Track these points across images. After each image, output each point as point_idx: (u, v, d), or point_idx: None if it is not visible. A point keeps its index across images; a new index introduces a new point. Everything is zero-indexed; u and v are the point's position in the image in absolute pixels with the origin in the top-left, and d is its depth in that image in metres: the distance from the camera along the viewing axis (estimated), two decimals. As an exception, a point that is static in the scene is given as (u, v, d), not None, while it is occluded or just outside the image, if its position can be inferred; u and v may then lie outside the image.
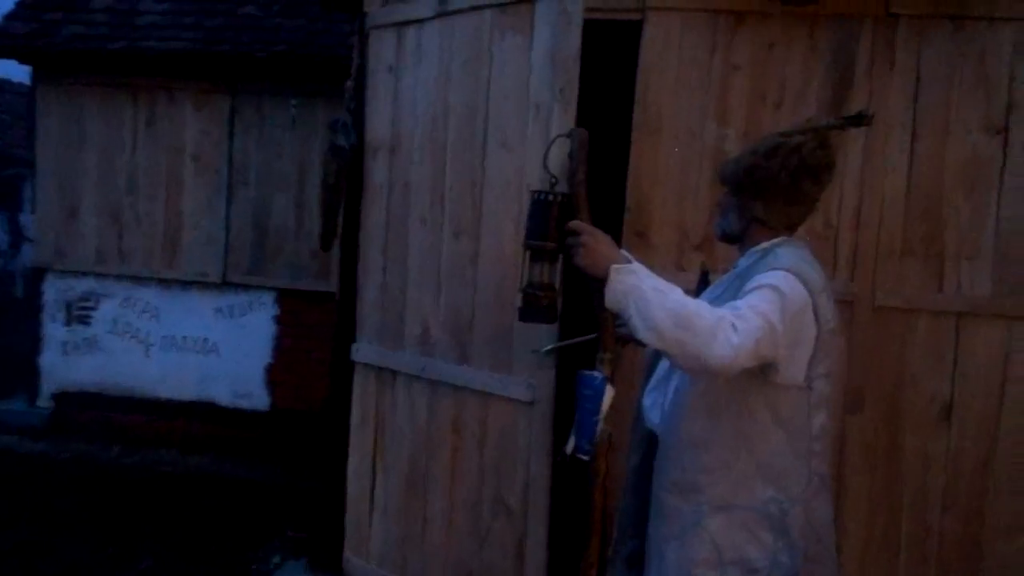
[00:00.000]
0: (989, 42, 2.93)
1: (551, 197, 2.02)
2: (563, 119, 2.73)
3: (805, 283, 1.82)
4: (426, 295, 3.18)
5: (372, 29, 3.34)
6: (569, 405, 2.83)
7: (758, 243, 1.99)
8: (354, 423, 3.42)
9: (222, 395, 6.02)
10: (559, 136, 2.32)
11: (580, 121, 2.63)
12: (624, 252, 1.87)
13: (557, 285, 2.12)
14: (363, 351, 3.38)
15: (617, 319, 1.92)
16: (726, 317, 1.72)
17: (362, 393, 3.39)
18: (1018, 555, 2.96)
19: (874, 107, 2.97)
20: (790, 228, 2.00)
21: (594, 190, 2.08)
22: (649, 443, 2.09)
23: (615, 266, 1.80)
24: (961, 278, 2.98)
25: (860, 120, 1.94)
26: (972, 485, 2.97)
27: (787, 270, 1.83)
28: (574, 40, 2.72)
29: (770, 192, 1.93)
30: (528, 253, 2.08)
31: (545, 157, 2.21)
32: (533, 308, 2.09)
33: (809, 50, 3.02)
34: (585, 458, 1.89)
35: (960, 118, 2.96)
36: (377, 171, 3.36)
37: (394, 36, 3.28)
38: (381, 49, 3.32)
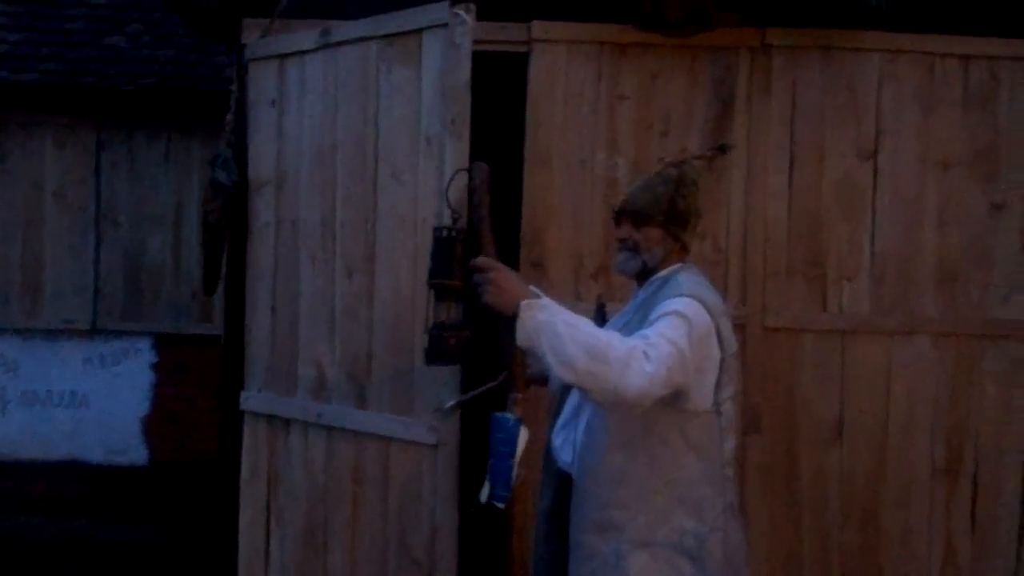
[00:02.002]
0: (857, 72, 3.10)
1: (454, 233, 1.97)
2: (456, 151, 2.69)
3: (708, 308, 1.86)
4: (320, 337, 3.04)
5: (251, 61, 3.21)
6: (474, 446, 2.78)
7: (659, 272, 2.01)
8: (244, 476, 3.22)
9: (94, 452, 5.60)
10: (460, 170, 2.27)
11: (474, 153, 2.60)
12: (532, 288, 1.83)
13: (463, 324, 2.06)
14: (252, 399, 3.19)
15: (526, 357, 1.87)
16: (638, 347, 1.72)
17: (253, 444, 3.20)
18: (909, 564, 3.09)
19: (754, 134, 3.09)
20: (686, 253, 2.07)
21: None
22: (560, 484, 2.05)
23: (525, 302, 1.75)
24: (843, 297, 3.10)
25: (723, 150, 2.04)
26: (866, 498, 3.08)
27: (691, 296, 1.86)
28: (464, 72, 2.69)
29: (689, 220, 2.02)
30: (432, 292, 2.01)
31: (446, 192, 2.16)
32: (440, 349, 2.02)
33: (691, 80, 3.11)
34: (501, 505, 1.81)
35: (834, 144, 3.11)
36: (263, 208, 3.21)
37: (276, 68, 3.15)
38: (262, 82, 3.19)
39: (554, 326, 1.71)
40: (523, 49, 3.11)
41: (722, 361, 1.89)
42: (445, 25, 2.70)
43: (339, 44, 2.97)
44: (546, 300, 1.78)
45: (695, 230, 2.07)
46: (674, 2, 2.85)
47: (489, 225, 1.97)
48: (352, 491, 2.95)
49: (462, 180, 2.18)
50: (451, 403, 2.51)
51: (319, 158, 3.06)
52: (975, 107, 3.10)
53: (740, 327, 3.02)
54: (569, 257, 3.11)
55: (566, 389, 2.13)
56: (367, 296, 2.93)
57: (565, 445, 2.07)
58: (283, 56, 3.13)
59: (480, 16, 2.76)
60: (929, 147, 3.10)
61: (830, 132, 3.10)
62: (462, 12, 2.66)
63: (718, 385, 1.89)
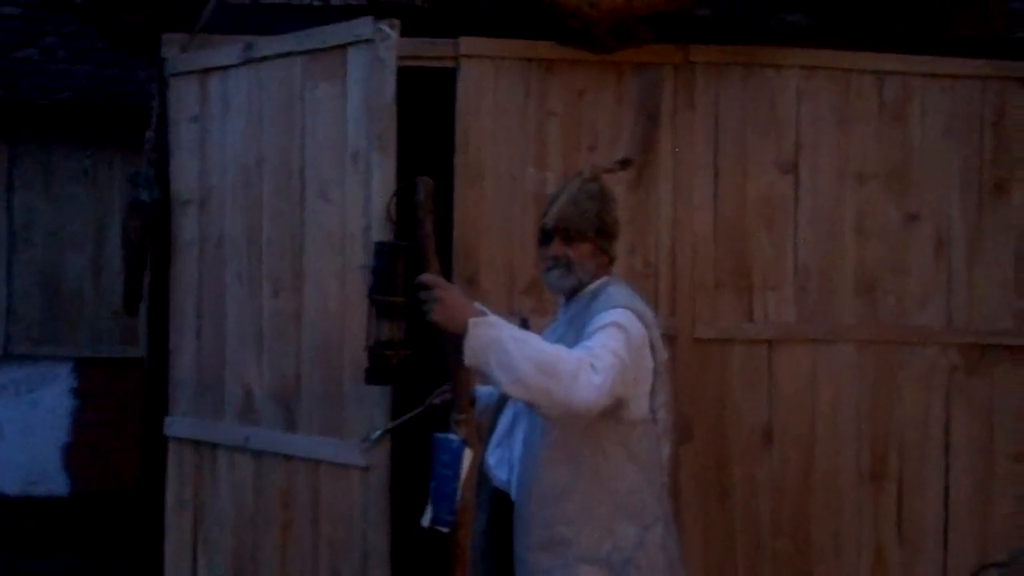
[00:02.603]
0: (777, 88, 3.18)
1: (397, 249, 1.93)
2: (383, 167, 2.67)
3: (641, 318, 1.89)
4: (247, 358, 2.96)
5: (172, 76, 3.12)
6: (406, 468, 2.75)
7: (588, 286, 2.03)
8: (170, 504, 3.10)
9: (9, 483, 5.31)
10: (403, 185, 2.23)
11: (405, 169, 2.57)
12: (478, 304, 1.81)
13: (405, 342, 2.02)
14: (177, 424, 3.09)
15: (470, 375, 1.85)
16: (584, 358, 1.74)
17: (178, 471, 3.09)
18: (840, 570, 3.16)
19: (680, 149, 3.14)
20: (612, 265, 2.10)
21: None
22: (496, 503, 2.03)
23: (473, 320, 1.72)
24: (768, 307, 3.17)
25: (625, 164, 2.11)
26: (796, 507, 3.14)
27: (625, 307, 1.89)
28: (389, 87, 2.67)
29: (615, 233, 2.06)
30: (373, 309, 1.97)
31: (388, 207, 2.12)
32: (382, 368, 1.98)
33: (618, 96, 3.15)
34: (445, 530, 1.77)
35: (756, 158, 3.18)
36: (186, 226, 3.12)
37: (197, 84, 3.07)
38: (183, 97, 3.10)
39: (503, 343, 1.70)
40: (451, 65, 3.10)
41: (654, 369, 1.92)
42: (370, 41, 2.68)
43: (262, 59, 2.92)
44: (493, 317, 1.76)
45: (616, 241, 2.11)
46: (599, 19, 2.88)
47: (433, 241, 1.94)
48: (281, 517, 2.87)
49: (383, 194, 2.15)
50: (378, 432, 2.45)
51: (244, 175, 2.99)
52: (889, 121, 3.22)
53: (671, 339, 3.06)
54: (501, 272, 3.10)
55: (499, 408, 2.12)
56: (295, 315, 2.87)
57: (501, 463, 2.06)
58: (205, 71, 3.05)
59: (407, 32, 2.75)
60: (846, 160, 3.20)
61: (752, 147, 3.18)
62: (386, 27, 2.64)
63: (652, 393, 1.92)
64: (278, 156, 2.91)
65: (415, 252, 1.92)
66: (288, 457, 2.85)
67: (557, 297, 2.20)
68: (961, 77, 3.23)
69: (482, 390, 2.33)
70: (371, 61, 2.69)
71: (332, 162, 2.80)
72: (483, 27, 3.11)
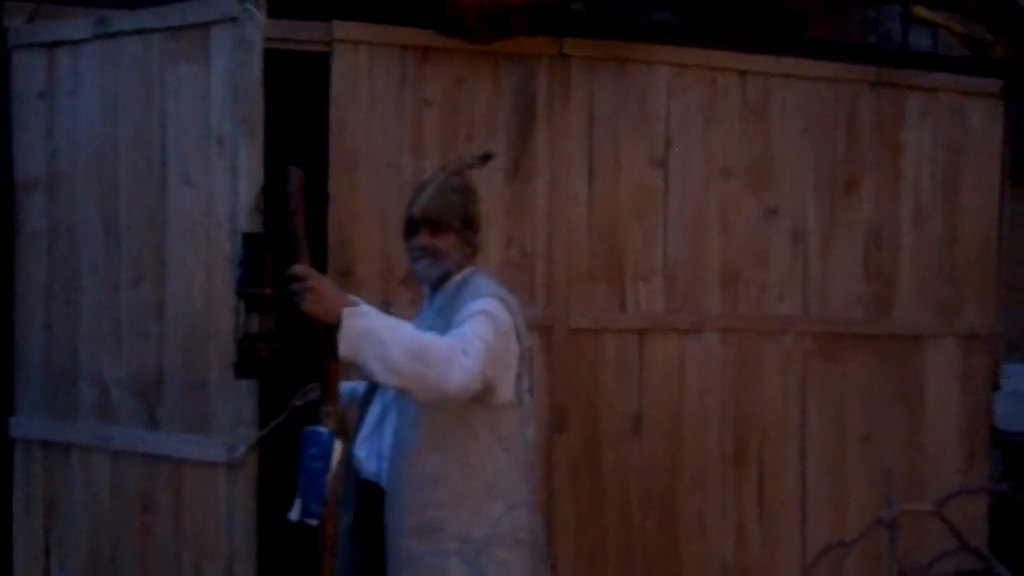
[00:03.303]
0: (648, 84, 3.27)
1: (266, 239, 1.87)
2: (250, 152, 2.57)
3: (507, 306, 1.97)
4: (103, 354, 2.79)
5: (16, 49, 2.89)
6: (272, 464, 2.67)
7: (454, 276, 2.08)
8: (18, 508, 2.90)
9: None
10: (270, 176, 2.16)
11: (279, 157, 2.49)
12: (350, 295, 1.81)
13: (275, 335, 1.97)
14: (24, 425, 2.88)
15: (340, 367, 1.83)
16: (456, 344, 1.80)
17: (26, 474, 2.88)
18: (705, 550, 3.30)
19: (556, 142, 3.18)
20: (476, 257, 2.16)
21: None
22: (365, 495, 2.04)
23: (347, 310, 1.73)
24: (639, 298, 3.26)
25: (487, 159, 2.16)
26: (664, 491, 3.26)
27: (493, 296, 1.96)
28: (255, 69, 2.57)
29: (479, 225, 2.12)
30: (242, 302, 1.91)
31: (259, 196, 2.05)
32: (252, 362, 1.93)
33: (494, 87, 3.15)
34: (314, 522, 1.77)
35: (629, 152, 3.26)
36: (33, 212, 2.90)
37: (44, 58, 2.86)
38: (28, 72, 2.88)
39: (377, 332, 1.72)
40: (324, 49, 3.02)
41: (520, 355, 1.99)
42: (235, 19, 2.57)
43: (118, 35, 2.74)
44: (366, 307, 1.78)
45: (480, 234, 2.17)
46: (472, 8, 2.87)
47: (305, 232, 1.90)
48: (142, 519, 2.73)
49: (252, 182, 2.08)
50: (243, 449, 2.36)
51: (98, 157, 2.81)
52: (752, 120, 3.37)
53: (546, 329, 3.13)
54: (378, 263, 3.06)
55: (367, 401, 2.13)
56: (157, 307, 2.73)
57: (370, 455, 2.07)
58: (53, 44, 2.84)
59: (277, 13, 2.66)
60: (712, 156, 3.33)
61: (625, 141, 3.25)
62: (252, 7, 2.54)
63: (519, 378, 2.00)
64: (136, 139, 2.75)
65: (285, 242, 1.87)
66: (149, 456, 2.71)
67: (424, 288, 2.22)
68: (818, 79, 3.42)
69: (344, 386, 2.31)
70: (236, 41, 2.58)
71: (195, 146, 2.67)
72: (357, 12, 3.04)
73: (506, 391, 1.96)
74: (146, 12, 2.71)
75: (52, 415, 2.86)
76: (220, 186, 2.63)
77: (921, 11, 3.55)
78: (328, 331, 1.74)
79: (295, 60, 3.00)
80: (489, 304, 1.93)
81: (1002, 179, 3.68)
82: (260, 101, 2.58)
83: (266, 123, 2.63)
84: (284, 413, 2.28)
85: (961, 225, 3.59)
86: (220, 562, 2.62)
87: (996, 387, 3.73)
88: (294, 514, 1.83)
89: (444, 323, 1.94)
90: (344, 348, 1.72)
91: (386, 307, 2.25)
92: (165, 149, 2.72)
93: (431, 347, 1.75)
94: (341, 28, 3.00)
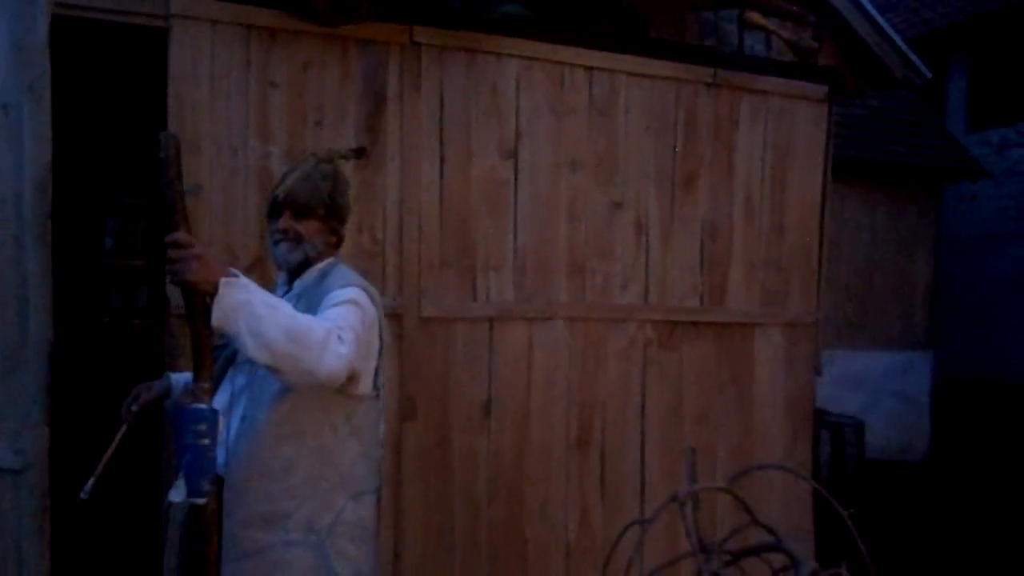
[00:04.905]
0: (499, 75, 3.31)
1: (138, 208, 1.76)
2: (36, 119, 2.47)
3: (371, 298, 1.99)
4: None
5: None
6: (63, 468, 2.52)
7: (315, 264, 2.07)
8: None
9: None
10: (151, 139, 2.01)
11: (114, 137, 2.35)
12: (231, 267, 1.73)
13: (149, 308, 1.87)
14: None
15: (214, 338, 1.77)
16: (332, 329, 1.78)
17: None
18: (549, 532, 3.40)
19: (407, 130, 3.17)
20: (339, 247, 2.16)
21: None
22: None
23: (225, 280, 1.65)
24: (490, 287, 3.32)
25: (360, 153, 2.19)
26: (511, 475, 3.33)
27: (359, 287, 1.97)
28: (40, 33, 2.46)
29: (345, 215, 2.12)
30: (111, 274, 1.78)
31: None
32: (126, 337, 1.81)
33: (344, 72, 3.10)
34: (203, 501, 1.70)
35: (480, 143, 3.29)
36: None
37: None
38: None
39: (254, 307, 1.67)
40: (160, 24, 2.86)
41: (380, 348, 2.02)
42: (19, -22, 2.41)
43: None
44: (245, 279, 1.71)
45: (346, 222, 2.17)
46: (319, -10, 2.81)
47: (183, 200, 1.79)
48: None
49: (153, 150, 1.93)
50: (86, 492, 2.22)
51: None
52: (598, 115, 3.48)
53: (397, 318, 3.11)
54: (221, 248, 2.94)
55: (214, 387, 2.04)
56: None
57: None
58: None
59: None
60: (560, 149, 3.41)
61: (476, 131, 3.28)
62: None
63: (377, 371, 2.01)
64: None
65: (169, 211, 1.76)
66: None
67: (278, 274, 2.18)
68: (659, 78, 3.57)
69: (176, 377, 2.23)
70: (21, 4, 2.44)
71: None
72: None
73: (366, 383, 1.97)
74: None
75: None
76: (5, 156, 2.48)
77: (755, 17, 3.77)
78: (200, 302, 1.68)
79: (132, 35, 2.83)
80: (357, 294, 1.93)
81: (824, 178, 3.97)
82: (47, 65, 2.47)
83: (105, 100, 2.49)
84: (122, 428, 2.13)
85: (788, 220, 3.86)
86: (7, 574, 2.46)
87: (818, 372, 4.04)
88: (179, 496, 1.76)
89: (305, 309, 1.91)
90: (218, 318, 1.66)
91: None
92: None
93: (308, 329, 1.72)
94: (179, 3, 2.86)
